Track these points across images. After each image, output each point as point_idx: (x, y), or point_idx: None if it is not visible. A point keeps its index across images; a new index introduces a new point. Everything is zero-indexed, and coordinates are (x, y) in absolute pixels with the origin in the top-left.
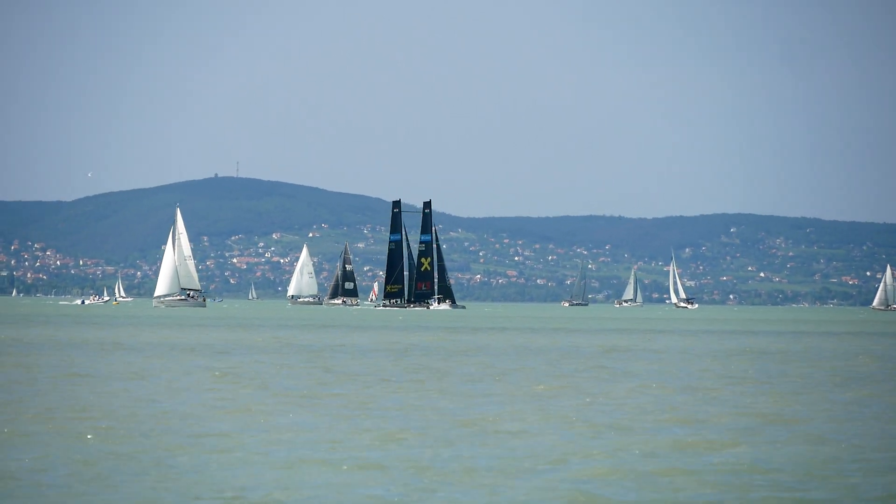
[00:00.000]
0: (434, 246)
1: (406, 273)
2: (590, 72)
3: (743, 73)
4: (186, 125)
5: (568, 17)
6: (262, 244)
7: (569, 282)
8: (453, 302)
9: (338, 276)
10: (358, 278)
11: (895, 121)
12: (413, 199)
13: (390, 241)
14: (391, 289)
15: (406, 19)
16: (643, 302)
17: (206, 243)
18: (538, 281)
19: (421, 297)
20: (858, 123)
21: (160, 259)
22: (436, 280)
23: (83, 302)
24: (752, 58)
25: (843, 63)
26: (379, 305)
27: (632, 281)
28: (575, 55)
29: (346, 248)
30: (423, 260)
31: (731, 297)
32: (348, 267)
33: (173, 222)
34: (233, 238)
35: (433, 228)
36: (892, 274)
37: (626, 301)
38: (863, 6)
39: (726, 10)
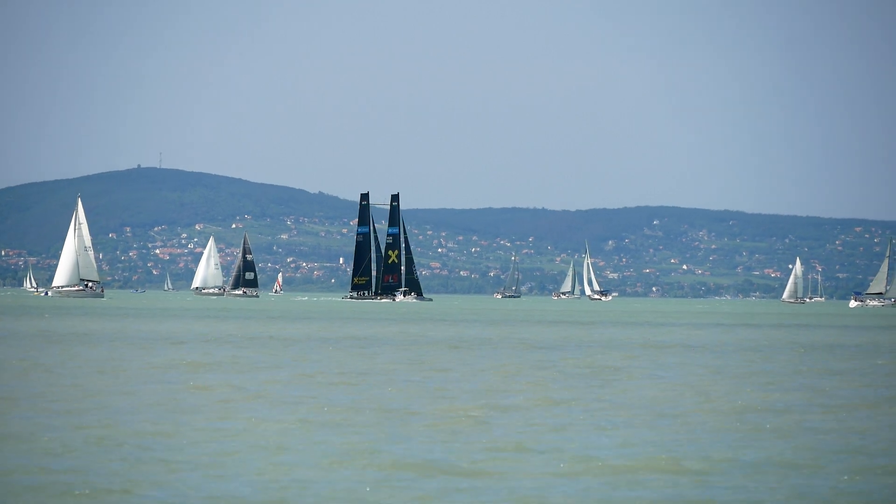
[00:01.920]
0: (402, 238)
1: (374, 266)
2: (511, 64)
3: (666, 65)
4: (109, 116)
5: (492, 7)
6: (185, 235)
7: (492, 274)
8: (420, 294)
9: (239, 267)
10: (282, 269)
11: (818, 115)
12: (337, 191)
13: (358, 234)
14: (358, 281)
15: (326, 10)
16: (580, 294)
17: (128, 234)
18: (461, 273)
19: (388, 290)
20: (781, 117)
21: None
22: (403, 272)
23: (47, 293)
24: (676, 50)
25: (768, 57)
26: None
27: (570, 273)
28: (493, 47)
29: (245, 239)
30: (390, 252)
31: (654, 289)
32: (248, 257)
33: (74, 212)
34: (155, 229)
35: (401, 221)
36: (802, 267)
37: (563, 293)
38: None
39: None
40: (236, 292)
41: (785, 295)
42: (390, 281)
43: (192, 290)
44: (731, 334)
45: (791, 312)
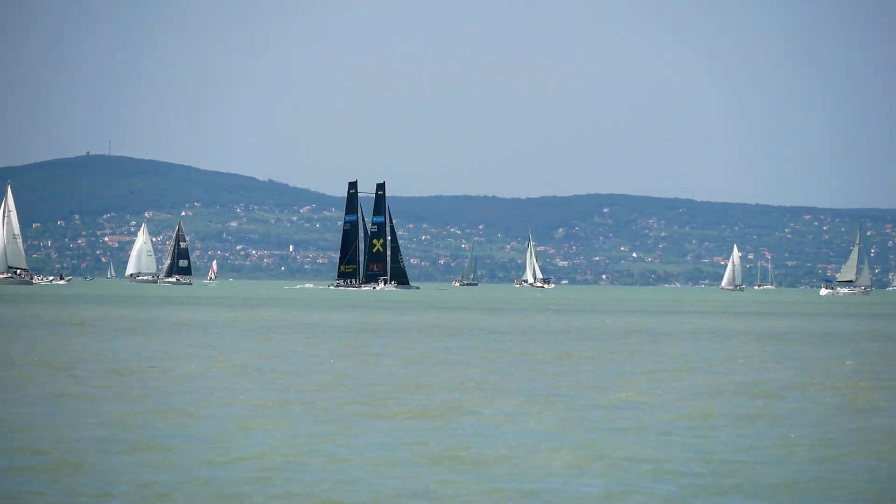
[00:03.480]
0: (387, 227)
1: (361, 255)
2: (460, 52)
3: (622, 55)
4: (57, 102)
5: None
6: (134, 223)
7: (442, 262)
8: (405, 283)
9: (173, 254)
10: (231, 257)
11: (767, 103)
12: (287, 179)
13: (345, 222)
14: (345, 269)
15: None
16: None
17: (77, 221)
18: (412, 260)
19: (371, 278)
20: (730, 105)
21: (30, 238)
22: (388, 261)
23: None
24: (626, 42)
25: (717, 46)
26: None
27: (530, 262)
28: (441, 37)
29: (179, 226)
30: (375, 241)
31: (604, 276)
32: (182, 244)
33: (3, 199)
34: (104, 216)
35: (387, 210)
36: (740, 254)
37: (525, 281)
38: None
39: None
40: (169, 280)
41: (724, 282)
42: (375, 269)
43: (126, 277)
44: (777, 323)
45: (808, 301)
